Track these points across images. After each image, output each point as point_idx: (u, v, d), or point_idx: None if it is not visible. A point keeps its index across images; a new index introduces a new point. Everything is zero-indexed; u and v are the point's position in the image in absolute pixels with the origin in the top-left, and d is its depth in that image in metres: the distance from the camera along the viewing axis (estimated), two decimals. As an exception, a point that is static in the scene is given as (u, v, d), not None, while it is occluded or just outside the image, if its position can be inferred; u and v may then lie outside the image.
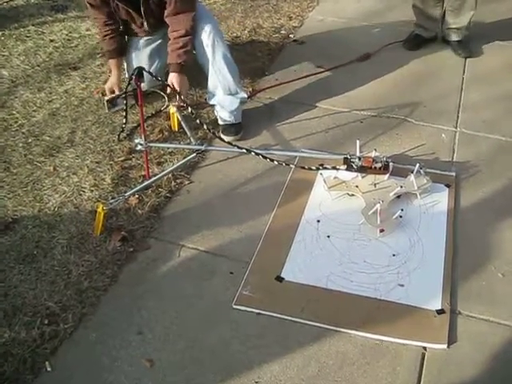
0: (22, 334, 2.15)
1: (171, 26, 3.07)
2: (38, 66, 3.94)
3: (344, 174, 2.80)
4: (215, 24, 3.17)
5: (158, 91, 3.42)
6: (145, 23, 3.18)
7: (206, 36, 3.08)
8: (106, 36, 3.22)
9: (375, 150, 2.86)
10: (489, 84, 3.66)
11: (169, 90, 3.06)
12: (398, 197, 2.71)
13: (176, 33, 3.05)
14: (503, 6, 4.62)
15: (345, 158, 2.78)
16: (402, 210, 2.63)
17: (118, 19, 3.19)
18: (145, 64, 3.27)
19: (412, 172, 2.76)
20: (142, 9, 3.08)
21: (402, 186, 2.70)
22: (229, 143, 2.97)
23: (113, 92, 3.36)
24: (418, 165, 2.78)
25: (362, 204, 2.67)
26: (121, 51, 3.31)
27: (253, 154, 2.85)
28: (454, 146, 3.12)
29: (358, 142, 2.87)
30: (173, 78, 3.10)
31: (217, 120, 3.24)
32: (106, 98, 3.35)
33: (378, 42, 4.13)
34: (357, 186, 2.74)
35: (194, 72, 3.23)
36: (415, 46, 4.11)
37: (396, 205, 2.67)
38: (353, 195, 2.74)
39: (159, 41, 3.38)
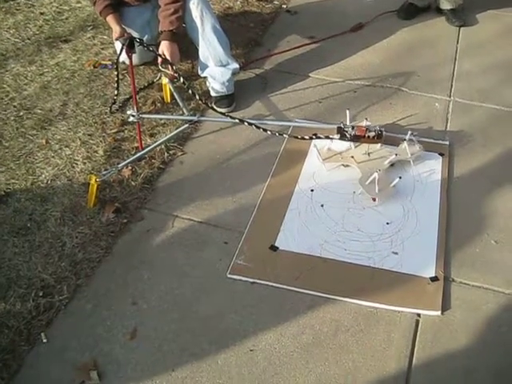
0: (17, 306, 2.16)
1: None
2: (29, 39, 3.89)
3: (337, 145, 2.79)
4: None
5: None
6: None
7: (195, 7, 3.05)
8: None
9: (366, 119, 2.86)
10: (482, 53, 3.64)
11: (160, 59, 3.03)
12: (392, 165, 2.70)
13: None
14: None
15: (338, 128, 2.77)
16: (400, 177, 2.63)
17: None
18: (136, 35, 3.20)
19: (404, 140, 2.77)
20: None
21: (396, 154, 2.69)
22: (221, 113, 2.95)
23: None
24: (409, 132, 2.79)
25: (355, 173, 2.67)
26: (115, 6, 3.19)
27: (246, 124, 2.83)
28: (447, 115, 3.11)
29: (347, 111, 2.86)
30: (164, 47, 3.07)
31: (209, 91, 3.21)
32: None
33: (372, 12, 4.09)
34: (352, 157, 2.74)
35: (185, 44, 3.20)
36: (409, 16, 4.07)
37: (391, 173, 2.67)
38: (347, 166, 2.73)
39: (149, 12, 3.33)
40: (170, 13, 3.03)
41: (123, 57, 2.91)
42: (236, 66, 3.22)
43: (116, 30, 3.12)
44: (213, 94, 3.19)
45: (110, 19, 3.15)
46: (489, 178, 2.70)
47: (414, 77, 3.42)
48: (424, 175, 2.69)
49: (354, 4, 4.26)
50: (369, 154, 2.75)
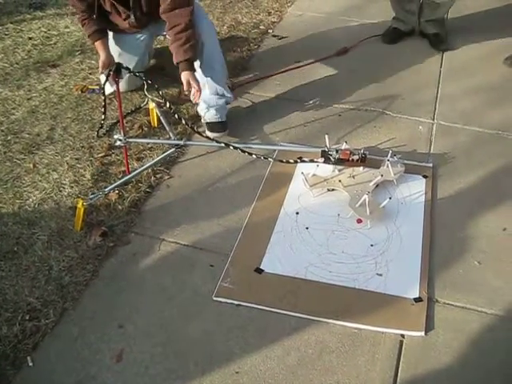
0: (3, 330, 2.16)
1: (169, 22, 2.98)
2: (17, 63, 3.93)
3: (322, 170, 2.83)
4: (209, 24, 3.14)
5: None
6: (132, 16, 3.10)
7: (199, 36, 3.02)
8: (84, 20, 3.10)
9: (346, 142, 2.90)
10: (465, 76, 3.69)
11: (185, 88, 2.97)
12: (376, 186, 2.74)
13: (176, 28, 2.94)
14: (476, 2, 4.64)
15: (322, 151, 2.80)
16: (390, 198, 2.67)
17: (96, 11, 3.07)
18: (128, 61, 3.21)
19: (388, 160, 2.81)
20: (130, 1, 3.02)
21: (382, 175, 2.74)
22: (207, 137, 2.98)
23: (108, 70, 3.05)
24: (390, 152, 2.84)
25: (340, 196, 2.71)
26: (102, 31, 3.16)
27: (231, 148, 2.86)
28: (431, 137, 3.15)
29: (326, 136, 2.88)
30: (186, 77, 2.97)
31: (196, 115, 3.24)
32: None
33: (357, 37, 4.15)
34: (339, 181, 2.77)
35: (172, 67, 3.22)
36: (393, 40, 4.14)
37: (377, 195, 2.70)
38: (333, 189, 2.76)
39: (145, 39, 3.35)
40: (182, 42, 2.94)
41: (109, 89, 2.95)
42: (231, 96, 3.22)
43: (102, 57, 3.12)
44: (206, 119, 3.19)
45: (98, 45, 3.15)
46: (472, 199, 2.73)
47: (398, 100, 3.47)
48: (408, 197, 2.72)
49: (339, 29, 4.32)
50: (353, 176, 2.78)
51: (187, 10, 2.94)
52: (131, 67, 3.07)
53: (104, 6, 3.08)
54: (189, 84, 2.96)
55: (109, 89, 3.11)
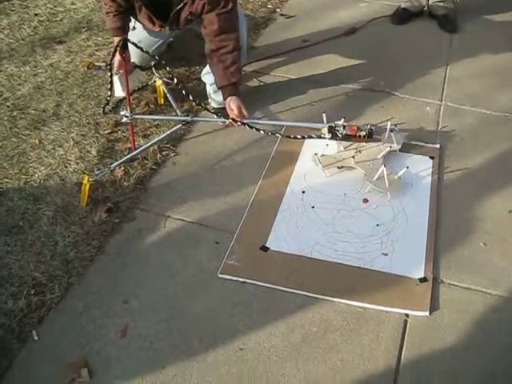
0: (8, 304, 2.17)
1: (213, 43, 2.89)
2: (23, 39, 3.91)
3: (330, 148, 2.82)
4: (243, 34, 3.05)
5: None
6: (166, 28, 3.02)
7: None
8: (109, 13, 2.94)
9: (344, 118, 2.85)
10: (474, 58, 3.67)
11: (238, 115, 2.90)
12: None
13: (222, 50, 2.87)
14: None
15: (329, 127, 2.80)
16: (408, 167, 2.67)
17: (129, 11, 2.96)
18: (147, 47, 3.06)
19: (391, 130, 2.83)
20: (169, 19, 2.92)
21: (390, 146, 2.75)
22: (215, 113, 2.96)
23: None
24: (389, 123, 2.85)
25: (348, 175, 2.71)
26: (125, 30, 3.02)
27: (239, 124, 2.85)
28: (438, 118, 3.14)
29: (324, 115, 2.87)
30: (233, 103, 2.90)
31: (203, 92, 3.22)
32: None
33: (365, 17, 4.13)
34: (353, 157, 2.75)
35: (181, 44, 3.20)
36: (402, 21, 4.11)
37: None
38: (343, 167, 2.75)
39: (167, 35, 3.28)
40: (227, 64, 2.87)
41: (120, 92, 2.99)
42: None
43: (119, 56, 2.88)
44: (214, 105, 3.16)
45: (116, 40, 2.94)
46: (478, 181, 2.72)
47: (406, 81, 3.45)
48: (415, 178, 2.71)
49: (347, 8, 4.29)
50: (360, 151, 2.78)
51: (234, 35, 2.88)
52: (150, 51, 3.00)
53: (138, 14, 2.97)
54: (240, 111, 2.89)
55: (119, 92, 3.07)
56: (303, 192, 2.65)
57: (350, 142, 2.84)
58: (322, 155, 2.78)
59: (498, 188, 2.68)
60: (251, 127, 2.85)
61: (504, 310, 2.16)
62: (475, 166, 2.81)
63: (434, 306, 2.16)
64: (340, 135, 2.79)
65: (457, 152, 2.89)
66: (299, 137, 2.85)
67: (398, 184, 2.63)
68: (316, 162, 2.74)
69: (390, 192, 2.60)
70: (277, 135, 2.89)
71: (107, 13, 2.97)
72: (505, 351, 2.04)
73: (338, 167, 2.76)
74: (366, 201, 2.59)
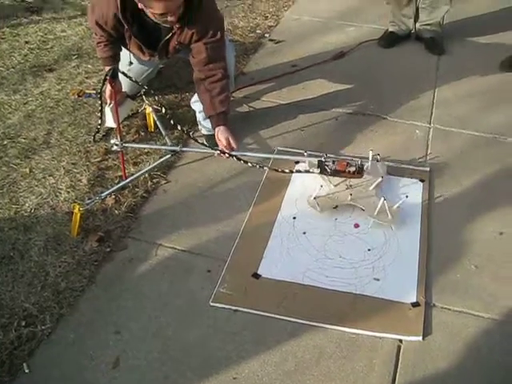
0: (-1, 337, 2.15)
1: (202, 73, 2.89)
2: (13, 67, 3.92)
3: (325, 189, 2.76)
4: (230, 62, 3.05)
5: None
6: (156, 57, 3.02)
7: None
8: (100, 43, 2.95)
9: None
10: (462, 80, 3.71)
11: (226, 146, 2.86)
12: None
13: (211, 78, 2.87)
14: (471, 6, 4.67)
15: (319, 162, 2.78)
16: (407, 196, 2.69)
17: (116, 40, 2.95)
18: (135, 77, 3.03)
19: (374, 160, 2.81)
20: (158, 48, 2.92)
21: (382, 177, 2.74)
22: (203, 144, 2.96)
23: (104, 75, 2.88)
24: (370, 152, 2.80)
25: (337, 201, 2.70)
26: (115, 59, 3.02)
27: (227, 155, 2.85)
28: (427, 141, 3.15)
29: (305, 153, 2.87)
30: (221, 134, 2.87)
31: (192, 120, 3.23)
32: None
33: (353, 41, 4.17)
34: (350, 194, 2.70)
35: (170, 71, 3.22)
36: (389, 44, 4.15)
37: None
38: (337, 206, 2.70)
39: (156, 63, 3.29)
40: (217, 92, 2.86)
41: (111, 123, 2.93)
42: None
43: (110, 86, 2.85)
44: (204, 132, 3.16)
45: (107, 69, 2.87)
46: (468, 203, 2.73)
47: (395, 104, 3.47)
48: (405, 201, 2.70)
49: (336, 33, 4.33)
50: (350, 186, 2.75)
51: (222, 64, 2.89)
52: (139, 80, 3.00)
53: (128, 44, 2.95)
54: (229, 142, 2.87)
55: (110, 123, 3.04)
56: (294, 218, 2.65)
57: (338, 179, 2.78)
58: (316, 197, 2.69)
59: (489, 210, 2.69)
60: (239, 159, 2.84)
61: (496, 333, 2.16)
62: (465, 188, 2.82)
63: (426, 331, 2.16)
64: (329, 170, 2.75)
65: (447, 174, 2.90)
66: (287, 171, 2.84)
67: (399, 215, 2.61)
68: (315, 206, 2.68)
69: (394, 224, 2.59)
70: (264, 168, 2.88)
71: (98, 43, 2.97)
72: (497, 375, 2.04)
73: (334, 207, 2.70)
74: (357, 225, 2.59)
